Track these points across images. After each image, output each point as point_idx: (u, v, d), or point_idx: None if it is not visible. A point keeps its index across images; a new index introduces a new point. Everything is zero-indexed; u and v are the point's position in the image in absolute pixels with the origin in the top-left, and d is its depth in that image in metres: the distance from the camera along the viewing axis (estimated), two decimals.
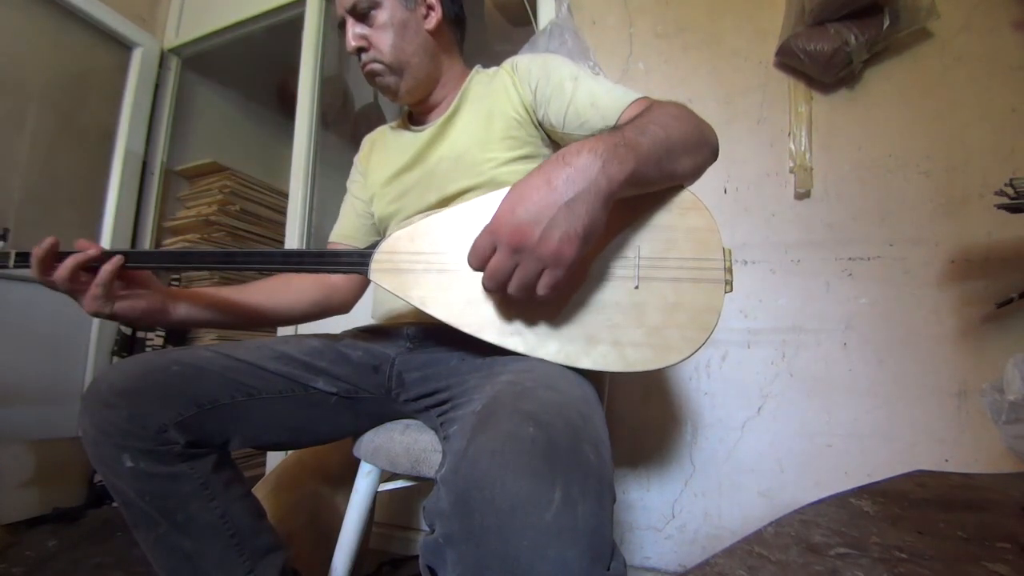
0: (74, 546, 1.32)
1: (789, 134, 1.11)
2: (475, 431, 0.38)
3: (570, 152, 0.46)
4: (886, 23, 0.98)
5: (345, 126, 2.02)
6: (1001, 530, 0.46)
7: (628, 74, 1.27)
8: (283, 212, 1.73)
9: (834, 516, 0.52)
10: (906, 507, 0.54)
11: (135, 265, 0.65)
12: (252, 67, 2.23)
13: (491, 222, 0.47)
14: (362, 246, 0.85)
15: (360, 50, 0.75)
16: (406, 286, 0.57)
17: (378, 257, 0.60)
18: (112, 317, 0.64)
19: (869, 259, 1.03)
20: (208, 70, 2.18)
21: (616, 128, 0.51)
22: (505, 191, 0.48)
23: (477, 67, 0.83)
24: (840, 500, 0.57)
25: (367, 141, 0.92)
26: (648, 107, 0.60)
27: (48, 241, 0.62)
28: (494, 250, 0.46)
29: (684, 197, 0.56)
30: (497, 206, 0.47)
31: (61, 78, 1.70)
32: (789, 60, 1.10)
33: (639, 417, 1.15)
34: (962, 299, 0.95)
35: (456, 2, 0.82)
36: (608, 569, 0.34)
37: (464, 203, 0.59)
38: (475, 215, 0.56)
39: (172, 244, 1.95)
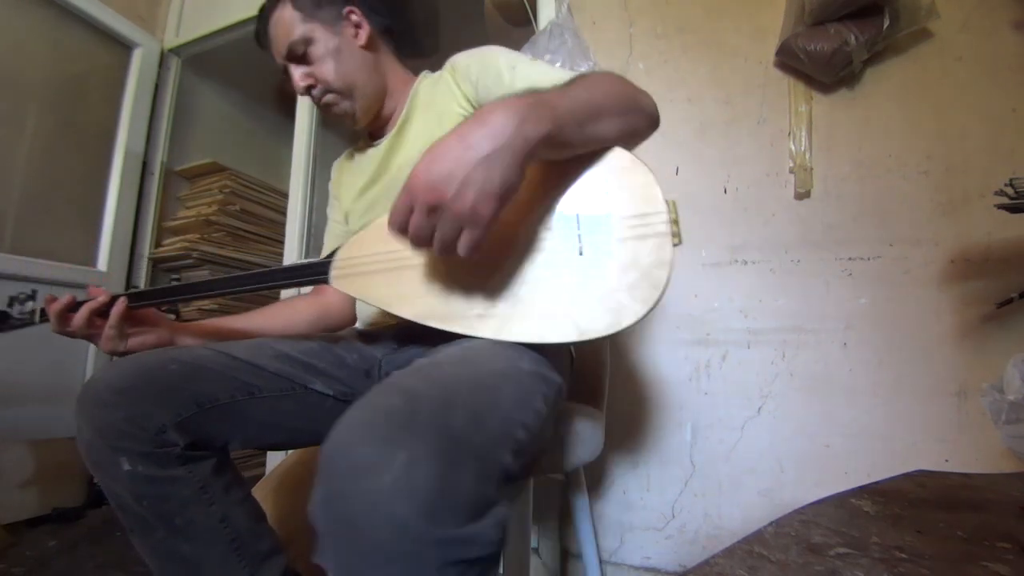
0: (74, 546, 1.32)
1: (789, 134, 1.11)
2: (351, 407, 0.38)
3: (485, 111, 0.45)
4: (886, 23, 0.98)
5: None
6: (1001, 530, 0.46)
7: (628, 74, 1.26)
8: (283, 212, 1.73)
9: (834, 516, 0.52)
10: (906, 507, 0.54)
11: (136, 304, 0.70)
12: (252, 67, 2.21)
13: (407, 180, 0.45)
14: None
15: (310, 88, 0.77)
16: (367, 288, 0.58)
17: (337, 264, 0.61)
18: (126, 354, 0.68)
19: (869, 259, 1.02)
20: (208, 70, 2.17)
21: (538, 91, 0.50)
22: None
23: (424, 72, 0.84)
24: (840, 500, 0.57)
25: (335, 167, 0.94)
26: (581, 77, 0.58)
27: (65, 298, 0.69)
28: (411, 210, 0.45)
29: (621, 158, 0.54)
30: None
31: (61, 78, 1.70)
32: (789, 60, 1.10)
33: (639, 417, 1.15)
34: (962, 299, 0.95)
35: (381, 13, 0.83)
36: (460, 528, 0.33)
37: None
38: None
39: (172, 244, 1.95)
